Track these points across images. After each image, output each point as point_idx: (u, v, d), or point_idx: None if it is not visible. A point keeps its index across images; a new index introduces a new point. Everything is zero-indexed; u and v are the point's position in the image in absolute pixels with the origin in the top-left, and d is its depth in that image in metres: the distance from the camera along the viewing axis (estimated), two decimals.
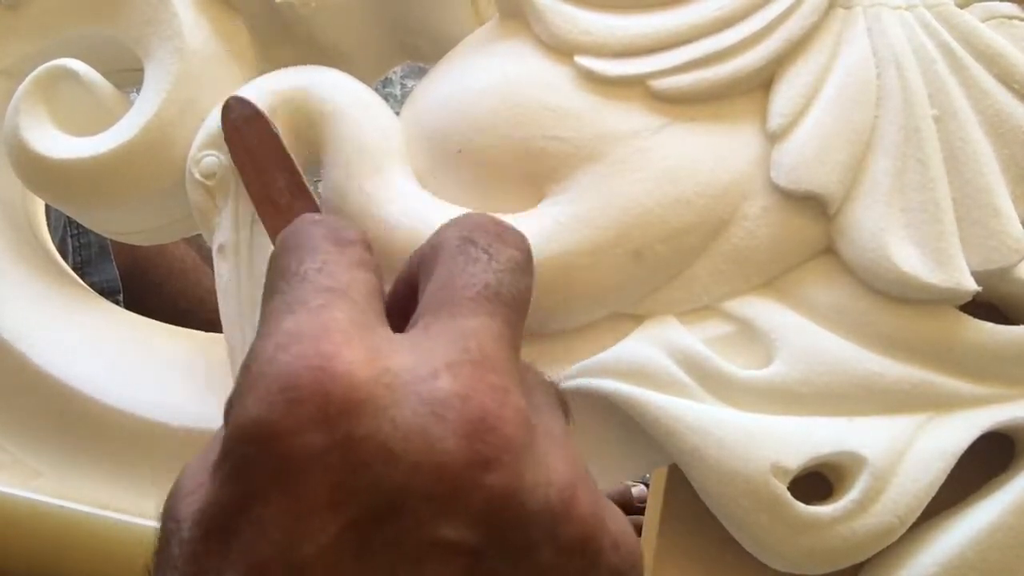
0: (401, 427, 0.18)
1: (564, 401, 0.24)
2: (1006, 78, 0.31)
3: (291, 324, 0.19)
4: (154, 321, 0.38)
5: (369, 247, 0.23)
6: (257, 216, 0.31)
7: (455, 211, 0.30)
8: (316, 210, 0.29)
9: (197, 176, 0.32)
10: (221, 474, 0.18)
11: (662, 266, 0.30)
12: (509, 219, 0.30)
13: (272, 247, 0.23)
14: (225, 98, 0.32)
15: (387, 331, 0.20)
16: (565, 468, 0.20)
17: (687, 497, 0.30)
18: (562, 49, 0.31)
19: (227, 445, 0.18)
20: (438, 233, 0.23)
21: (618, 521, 0.21)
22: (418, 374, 0.19)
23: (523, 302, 0.22)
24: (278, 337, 0.19)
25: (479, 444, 0.18)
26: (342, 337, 0.19)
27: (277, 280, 0.21)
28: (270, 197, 0.30)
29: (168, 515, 0.19)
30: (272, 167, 0.30)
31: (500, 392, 0.19)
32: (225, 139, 0.31)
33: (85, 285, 0.40)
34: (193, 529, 0.18)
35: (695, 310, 0.30)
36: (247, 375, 0.19)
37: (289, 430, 0.18)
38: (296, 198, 0.29)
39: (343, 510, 0.17)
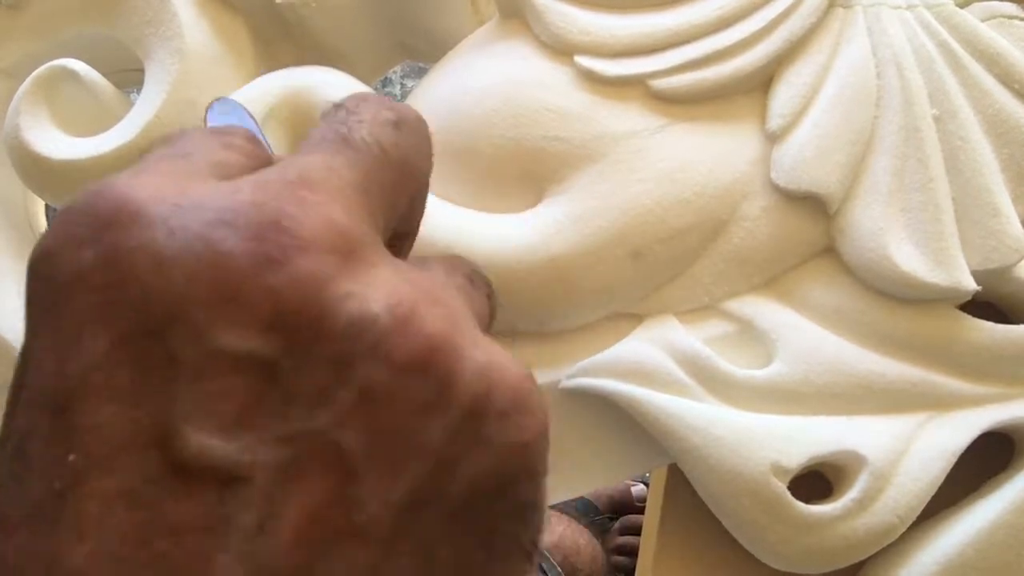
0: (180, 235, 0.16)
1: (485, 284, 0.21)
2: (1006, 78, 0.31)
3: (114, 175, 0.18)
4: None
5: (256, 141, 0.20)
6: None
7: (455, 210, 0.30)
8: None
9: None
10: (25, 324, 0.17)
11: (662, 266, 0.30)
12: (508, 219, 0.30)
13: None
14: (224, 96, 0.33)
15: (214, 180, 0.18)
16: (409, 289, 0.17)
17: (687, 497, 0.30)
18: (562, 49, 0.31)
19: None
20: None
21: (498, 356, 0.17)
22: (217, 192, 0.17)
23: (388, 152, 0.19)
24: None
25: (267, 244, 0.16)
26: (145, 171, 0.17)
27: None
28: None
29: None
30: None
31: (309, 203, 0.17)
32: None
33: None
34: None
35: (695, 310, 0.30)
36: None
37: (56, 250, 0.16)
38: None
39: (112, 326, 0.15)
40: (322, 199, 0.17)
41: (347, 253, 0.17)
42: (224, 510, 0.15)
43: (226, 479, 0.15)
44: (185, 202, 0.16)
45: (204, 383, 0.15)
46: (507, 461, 0.17)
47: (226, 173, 0.18)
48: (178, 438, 0.15)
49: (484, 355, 0.17)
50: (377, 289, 0.16)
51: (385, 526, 0.16)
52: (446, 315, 0.17)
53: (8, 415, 0.16)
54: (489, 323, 0.21)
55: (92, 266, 0.16)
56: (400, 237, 0.22)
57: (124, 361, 0.15)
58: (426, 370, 0.16)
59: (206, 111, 0.30)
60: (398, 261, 0.18)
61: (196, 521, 0.15)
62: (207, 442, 0.15)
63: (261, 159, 0.20)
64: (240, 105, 0.29)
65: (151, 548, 0.15)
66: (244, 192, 0.17)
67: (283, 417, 0.16)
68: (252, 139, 0.20)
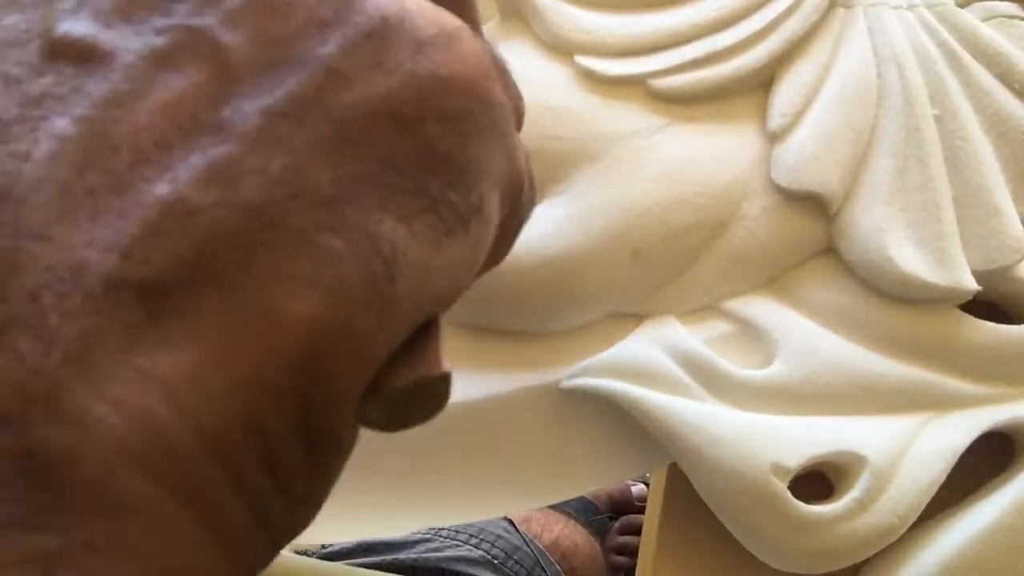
0: None
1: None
2: (1006, 77, 0.31)
3: None
4: None
5: None
6: None
7: None
8: None
9: None
10: None
11: (662, 266, 0.30)
12: None
13: None
14: None
15: None
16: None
17: (687, 497, 0.30)
18: (562, 49, 0.31)
19: None
20: None
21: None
22: None
23: None
24: None
25: None
26: None
27: None
28: None
29: None
30: None
31: None
32: None
33: None
34: None
35: (695, 310, 0.30)
36: None
37: None
38: None
39: None
40: None
41: None
42: (77, 81, 0.14)
43: (88, 54, 0.14)
44: None
45: None
46: (414, 93, 0.15)
47: None
48: (55, 28, 0.14)
49: None
50: None
51: (254, 125, 0.14)
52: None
53: None
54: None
55: None
56: None
57: None
58: None
59: None
60: None
61: (47, 90, 0.14)
62: (76, 26, 0.14)
63: None
64: None
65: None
66: None
67: (165, 12, 0.15)
68: None
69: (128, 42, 0.14)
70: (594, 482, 0.32)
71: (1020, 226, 0.30)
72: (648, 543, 0.34)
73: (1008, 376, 0.30)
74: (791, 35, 0.31)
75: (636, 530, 0.90)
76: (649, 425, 0.29)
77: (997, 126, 0.31)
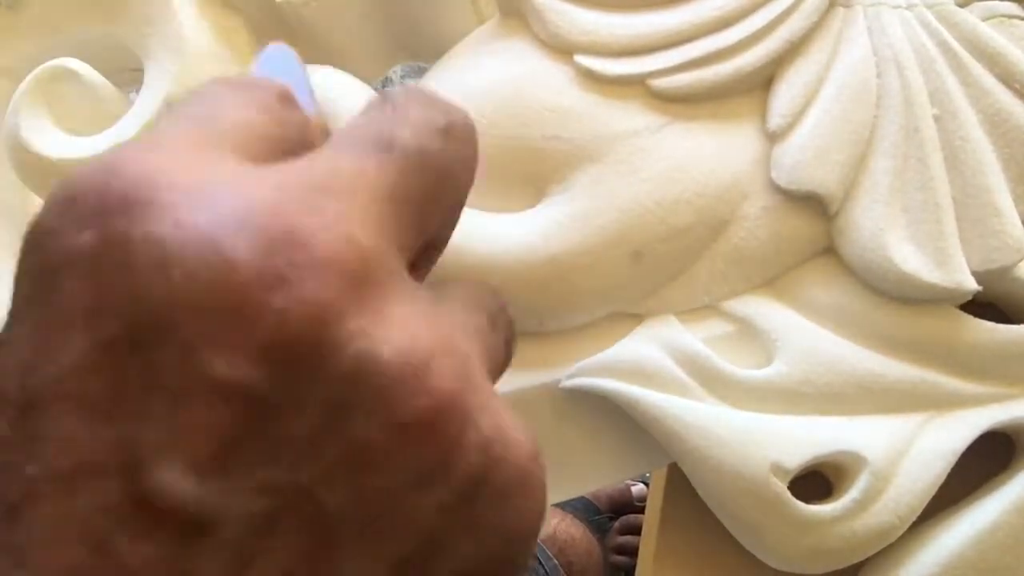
0: (187, 229, 0.14)
1: (507, 322, 0.19)
2: (1006, 77, 0.31)
3: (127, 146, 0.16)
4: None
5: (288, 101, 0.18)
6: None
7: None
8: None
9: None
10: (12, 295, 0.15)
11: (662, 266, 0.30)
12: (508, 219, 0.30)
13: None
14: None
15: (235, 160, 0.16)
16: (426, 333, 0.15)
17: (687, 497, 0.30)
18: (562, 48, 0.31)
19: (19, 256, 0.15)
20: None
21: (505, 424, 0.15)
22: (234, 185, 0.15)
23: (430, 159, 0.17)
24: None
25: (277, 258, 0.14)
26: (158, 146, 0.15)
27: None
28: None
29: None
30: None
31: (330, 214, 0.15)
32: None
33: None
34: None
35: (695, 310, 0.30)
36: None
37: (54, 229, 0.14)
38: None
39: (98, 324, 0.13)
40: (345, 210, 0.15)
41: (363, 279, 0.15)
42: (185, 562, 0.13)
43: (193, 526, 0.13)
44: (199, 190, 0.14)
45: (184, 410, 0.13)
46: (498, 549, 0.15)
47: (252, 143, 0.17)
48: (146, 469, 0.13)
49: (491, 423, 0.15)
50: (390, 328, 0.14)
51: None
52: (459, 369, 0.15)
53: None
54: (503, 369, 0.19)
55: (90, 250, 0.14)
56: (428, 247, 0.19)
57: (103, 368, 0.14)
58: (428, 435, 0.14)
59: (256, 57, 0.29)
60: (418, 291, 0.16)
61: (151, 568, 0.13)
62: (178, 481, 0.13)
63: (294, 125, 0.18)
64: (291, 52, 0.28)
65: None
66: (263, 190, 0.15)
67: (265, 463, 0.14)
68: (286, 99, 0.18)
69: (229, 505, 0.13)
70: (594, 482, 0.32)
71: (1020, 226, 0.30)
72: (648, 543, 0.34)
73: (1008, 376, 0.30)
74: (791, 35, 0.31)
75: (636, 530, 0.90)
76: (649, 425, 0.29)
77: (997, 126, 0.31)
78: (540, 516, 0.16)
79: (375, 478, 0.14)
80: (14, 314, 0.15)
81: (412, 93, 0.19)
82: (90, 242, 0.14)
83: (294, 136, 0.18)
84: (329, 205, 0.15)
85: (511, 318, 0.20)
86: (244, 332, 0.14)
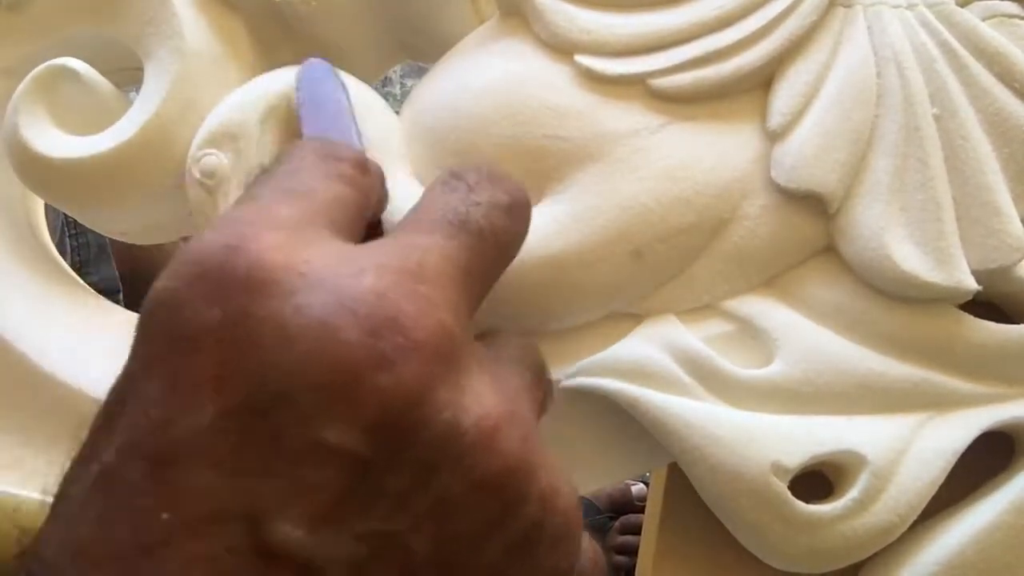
0: (305, 313, 0.16)
1: (546, 379, 0.22)
2: (1006, 77, 0.31)
3: (232, 214, 0.18)
4: None
5: (365, 167, 0.21)
6: None
7: None
8: None
9: (197, 175, 0.32)
10: (133, 348, 0.17)
11: (662, 265, 0.30)
12: None
13: None
14: (225, 97, 0.32)
15: (334, 237, 0.19)
16: (496, 402, 0.17)
17: (687, 497, 0.30)
18: (562, 48, 0.31)
19: (141, 317, 0.17)
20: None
21: (557, 479, 0.18)
22: (341, 270, 0.17)
23: (497, 237, 0.20)
24: (213, 224, 0.18)
25: (383, 342, 0.16)
26: (272, 225, 0.18)
27: (251, 185, 0.20)
28: None
29: None
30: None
31: (424, 300, 0.17)
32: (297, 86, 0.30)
33: (86, 285, 0.40)
34: (102, 403, 0.17)
35: (695, 309, 0.30)
36: (176, 254, 0.18)
37: (185, 301, 0.16)
38: None
39: (226, 392, 0.16)
40: (436, 295, 0.18)
41: (450, 358, 0.17)
42: None
43: (305, 569, 0.16)
44: (311, 272, 0.17)
45: (301, 471, 0.16)
46: None
47: (343, 216, 0.19)
48: (267, 519, 0.15)
49: (548, 479, 0.18)
50: (470, 400, 0.17)
51: None
52: (524, 435, 0.18)
53: (94, 440, 0.16)
54: (541, 417, 0.22)
55: (217, 325, 0.16)
56: None
57: (231, 431, 0.16)
58: (500, 490, 0.17)
59: (299, 73, 0.30)
60: (484, 358, 0.19)
61: None
62: (293, 532, 0.15)
63: (368, 190, 0.21)
64: (331, 72, 0.29)
65: None
66: (367, 276, 0.17)
67: (366, 515, 0.16)
68: (363, 166, 0.21)
69: (335, 551, 0.16)
70: (594, 482, 0.32)
71: (1020, 226, 0.30)
72: (648, 543, 0.34)
73: (1008, 376, 0.30)
74: (791, 34, 0.31)
75: (636, 530, 0.90)
76: (649, 425, 0.29)
77: (997, 125, 0.31)
78: (579, 554, 0.19)
79: (455, 525, 0.17)
80: (142, 368, 0.17)
81: (483, 172, 0.22)
82: (218, 318, 0.16)
83: (371, 200, 0.21)
84: (422, 290, 0.17)
85: (549, 374, 0.23)
86: (354, 407, 0.16)
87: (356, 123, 0.28)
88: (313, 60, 0.30)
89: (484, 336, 0.21)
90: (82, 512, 0.16)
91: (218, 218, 0.19)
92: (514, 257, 0.22)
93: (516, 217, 0.22)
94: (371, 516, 0.16)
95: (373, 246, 0.18)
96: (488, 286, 0.21)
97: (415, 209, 0.21)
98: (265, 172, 0.20)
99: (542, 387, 0.22)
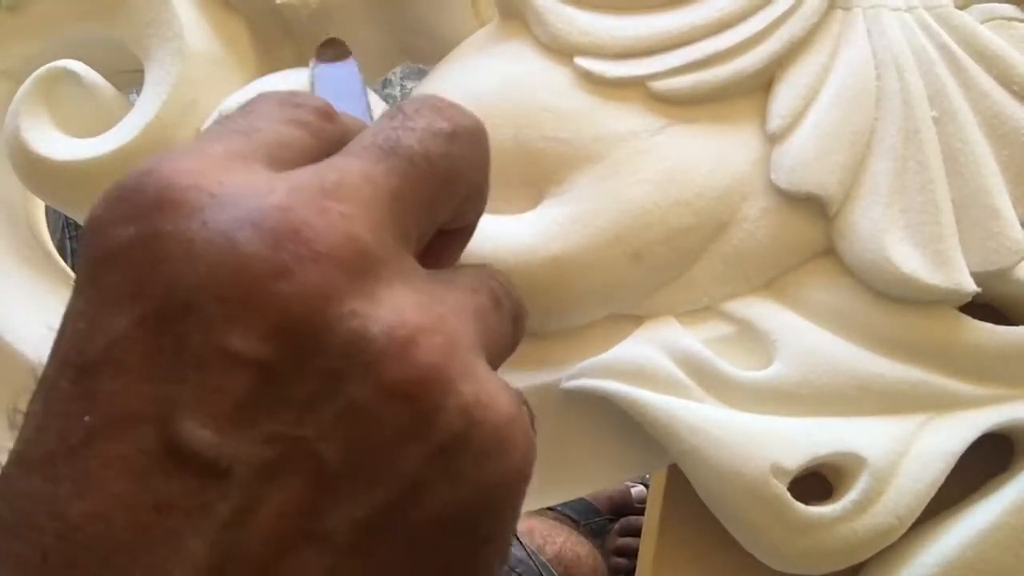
0: (211, 228, 0.17)
1: (516, 301, 0.22)
2: (1005, 79, 0.31)
3: (172, 151, 0.19)
4: None
5: (328, 116, 0.21)
6: None
7: None
8: None
9: None
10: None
11: (662, 267, 0.30)
12: (509, 220, 0.30)
13: None
14: (225, 98, 0.33)
15: (263, 169, 0.19)
16: (416, 314, 0.17)
17: (687, 497, 0.30)
18: (562, 50, 0.32)
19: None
20: None
21: (489, 393, 0.18)
22: (252, 190, 0.18)
23: (433, 163, 0.20)
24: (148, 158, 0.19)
25: (283, 252, 0.17)
26: (196, 153, 0.18)
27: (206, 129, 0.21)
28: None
29: None
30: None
31: (333, 214, 0.17)
32: (312, 70, 0.30)
33: None
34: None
35: (695, 311, 0.30)
36: None
37: (106, 223, 0.18)
38: None
39: (137, 304, 0.17)
40: (349, 211, 0.18)
41: (360, 269, 0.17)
42: (204, 497, 0.16)
43: (210, 469, 0.16)
44: (221, 193, 0.17)
45: (206, 375, 0.16)
46: (476, 499, 0.18)
47: (284, 154, 0.19)
48: (174, 422, 0.16)
49: (473, 391, 0.17)
50: (381, 309, 0.17)
51: (345, 539, 0.17)
52: (445, 345, 0.18)
53: (48, 363, 0.18)
54: (513, 345, 0.22)
55: (130, 243, 0.17)
56: (453, 234, 0.23)
57: (141, 340, 0.16)
58: (410, 399, 0.17)
59: (315, 52, 0.29)
60: (417, 278, 0.19)
61: (177, 501, 0.16)
62: (198, 432, 0.16)
63: (329, 137, 0.21)
64: (354, 67, 0.28)
65: (136, 517, 0.16)
66: (276, 194, 0.17)
67: (272, 419, 0.17)
68: (324, 114, 0.21)
69: (241, 453, 0.16)
70: (594, 483, 0.32)
71: (1019, 228, 0.30)
72: (648, 544, 0.34)
73: (1007, 377, 0.30)
74: (790, 37, 0.31)
75: (636, 532, 0.90)
76: (649, 426, 0.29)
77: (996, 128, 0.31)
78: (519, 473, 0.18)
79: (365, 433, 0.17)
80: (76, 290, 0.18)
81: (423, 102, 0.21)
82: (131, 235, 0.17)
83: (330, 148, 0.20)
84: (334, 206, 0.18)
85: (518, 297, 0.22)
86: (255, 315, 0.16)
87: (368, 106, 0.28)
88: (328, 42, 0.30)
89: (443, 271, 0.21)
90: (26, 422, 0.17)
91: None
92: (476, 183, 0.22)
93: (460, 142, 0.21)
94: (278, 420, 0.16)
95: (296, 171, 0.19)
96: (432, 217, 0.20)
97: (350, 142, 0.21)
98: (224, 117, 0.21)
99: (506, 310, 0.21)
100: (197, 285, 0.17)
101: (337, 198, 0.18)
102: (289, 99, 0.21)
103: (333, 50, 0.30)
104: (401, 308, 0.17)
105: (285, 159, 0.19)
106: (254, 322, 0.16)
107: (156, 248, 0.17)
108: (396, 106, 0.21)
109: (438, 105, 0.21)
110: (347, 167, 0.19)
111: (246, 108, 0.21)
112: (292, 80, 0.33)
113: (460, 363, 0.18)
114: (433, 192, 0.20)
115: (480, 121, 0.22)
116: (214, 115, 0.32)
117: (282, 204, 0.17)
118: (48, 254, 0.40)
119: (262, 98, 0.21)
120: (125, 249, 0.17)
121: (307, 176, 0.18)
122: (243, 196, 0.17)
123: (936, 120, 0.31)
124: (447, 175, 0.20)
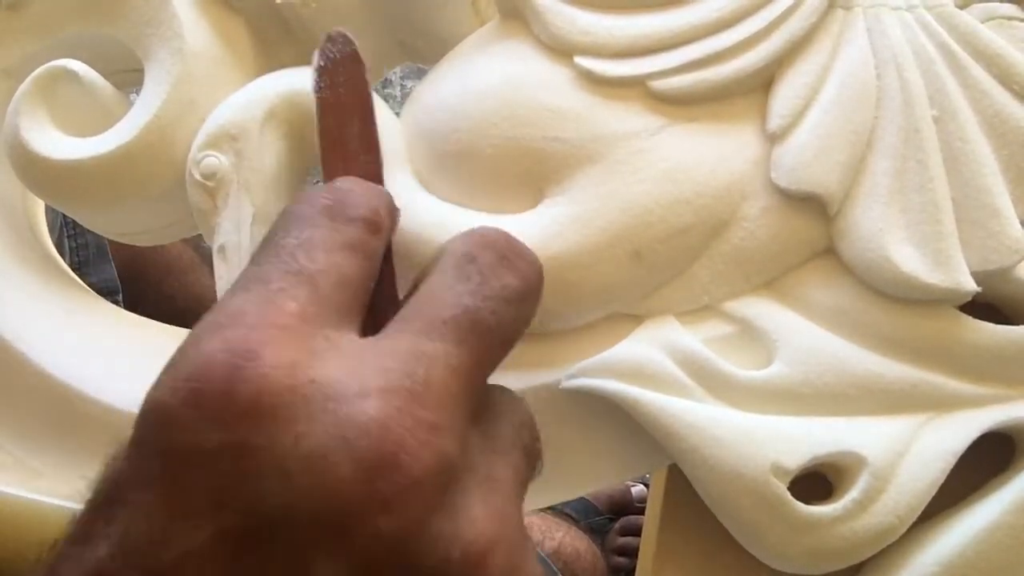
0: (304, 445, 0.16)
1: (536, 448, 0.22)
2: (1005, 79, 0.31)
3: (237, 304, 0.18)
4: (153, 321, 0.38)
5: (376, 226, 0.21)
6: (259, 217, 0.31)
7: (455, 211, 0.30)
8: (380, 168, 0.28)
9: (197, 177, 0.32)
10: (127, 449, 0.17)
11: (662, 266, 0.30)
12: (508, 220, 0.30)
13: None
14: (225, 98, 0.33)
15: (339, 332, 0.19)
16: (486, 523, 0.18)
17: (687, 497, 0.30)
18: (562, 50, 0.31)
19: (136, 422, 0.17)
20: (450, 240, 0.22)
21: None
22: (345, 391, 0.17)
23: (506, 333, 0.21)
24: (218, 315, 0.18)
25: (381, 482, 0.16)
26: (277, 333, 0.18)
27: (259, 250, 0.20)
28: (341, 139, 0.28)
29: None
30: (352, 111, 0.28)
31: (426, 429, 0.17)
32: (315, 68, 0.29)
33: (85, 285, 0.40)
34: (91, 493, 0.18)
35: (695, 310, 0.30)
36: (176, 353, 0.18)
37: (185, 421, 0.17)
38: (364, 150, 0.28)
39: (220, 517, 0.16)
40: (438, 420, 0.18)
41: (448, 487, 0.18)
42: None
43: None
44: (315, 396, 0.17)
45: None
46: None
47: (347, 297, 0.19)
48: None
49: None
50: (463, 524, 0.17)
51: None
52: (512, 558, 0.18)
53: (87, 528, 0.17)
54: (527, 484, 0.22)
55: (218, 450, 0.16)
56: None
57: (220, 558, 0.16)
58: None
59: (320, 45, 0.29)
60: (480, 459, 0.19)
61: None
62: None
63: (377, 251, 0.21)
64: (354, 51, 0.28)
65: None
66: (369, 400, 0.17)
67: None
68: (373, 225, 0.21)
69: None
70: (594, 483, 0.32)
71: (1019, 227, 0.30)
72: (648, 544, 0.34)
73: (1007, 377, 0.30)
74: (790, 36, 0.31)
75: (636, 531, 0.90)
76: (648, 425, 0.29)
77: (996, 127, 0.31)
78: None
79: None
80: (133, 476, 0.17)
81: (498, 250, 0.22)
82: (215, 443, 0.16)
83: (379, 261, 0.21)
84: (426, 416, 0.17)
85: (540, 445, 0.23)
86: (347, 543, 0.16)
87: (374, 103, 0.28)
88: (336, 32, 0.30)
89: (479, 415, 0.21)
90: None
91: (221, 309, 0.18)
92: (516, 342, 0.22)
93: (525, 304, 0.22)
94: None
95: (379, 350, 0.18)
96: (488, 376, 0.21)
97: (424, 294, 0.20)
98: (273, 235, 0.20)
99: (532, 463, 0.22)
100: (288, 505, 0.16)
101: (427, 405, 0.18)
102: (340, 212, 0.21)
103: (338, 43, 0.29)
104: (474, 519, 0.18)
105: (349, 304, 0.19)
106: (345, 551, 0.16)
107: (246, 461, 0.16)
108: (466, 256, 0.21)
109: (508, 256, 0.22)
110: (433, 355, 0.19)
111: (299, 232, 0.20)
112: (292, 80, 0.33)
113: (521, 560, 0.19)
114: (497, 359, 0.21)
115: (539, 263, 0.22)
116: (215, 116, 0.32)
117: (378, 418, 0.17)
118: (47, 253, 0.40)
119: (312, 212, 0.21)
120: (210, 456, 0.16)
121: (396, 372, 0.18)
122: (335, 399, 0.17)
123: (936, 119, 0.31)
124: (514, 337, 0.21)
